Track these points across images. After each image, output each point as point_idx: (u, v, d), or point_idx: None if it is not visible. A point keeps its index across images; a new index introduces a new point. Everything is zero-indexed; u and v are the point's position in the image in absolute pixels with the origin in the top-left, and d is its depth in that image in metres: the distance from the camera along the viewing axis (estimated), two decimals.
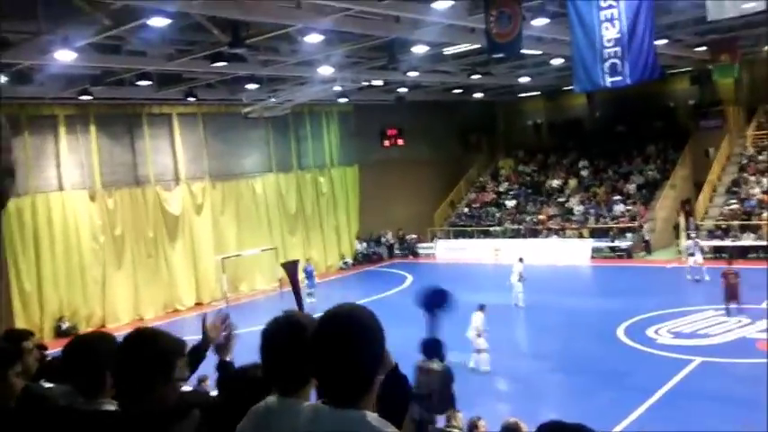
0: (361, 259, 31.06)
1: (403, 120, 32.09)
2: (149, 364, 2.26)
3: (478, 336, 13.99)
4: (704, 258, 21.63)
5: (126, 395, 2.32)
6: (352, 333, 1.84)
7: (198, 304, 24.34)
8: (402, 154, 32.33)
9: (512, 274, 19.85)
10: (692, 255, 21.58)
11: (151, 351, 2.29)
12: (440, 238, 32.37)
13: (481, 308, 14.40)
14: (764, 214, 25.09)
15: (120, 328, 20.13)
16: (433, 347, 2.26)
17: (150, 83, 19.72)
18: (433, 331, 2.23)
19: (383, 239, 32.15)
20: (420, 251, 32.09)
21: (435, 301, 2.22)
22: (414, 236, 32.46)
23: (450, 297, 2.20)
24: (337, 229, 30.64)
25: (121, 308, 22.78)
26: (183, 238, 24.79)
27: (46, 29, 13.00)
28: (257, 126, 27.24)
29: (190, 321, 20.95)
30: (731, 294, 16.70)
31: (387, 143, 32.53)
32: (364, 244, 31.66)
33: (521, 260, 20.11)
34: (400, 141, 32.78)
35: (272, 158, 28.40)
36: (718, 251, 24.04)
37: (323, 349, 1.85)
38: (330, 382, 1.86)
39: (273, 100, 24.35)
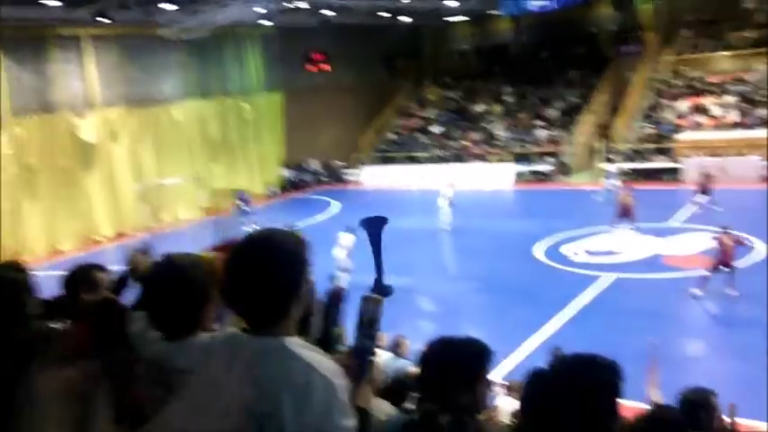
0: (288, 187, 30.85)
1: (328, 44, 31.35)
2: None
3: (346, 256, 14.53)
4: (622, 182, 22.47)
5: None
6: (266, 256, 1.80)
7: (119, 234, 23.76)
8: (327, 80, 31.74)
9: (440, 197, 20.19)
10: (612, 178, 22.37)
11: None
12: (366, 165, 32.37)
13: (350, 230, 14.92)
14: (677, 137, 26.17)
15: (36, 259, 19.49)
16: (380, 285, 2.35)
17: (58, 3, 18.46)
18: (376, 254, 2.36)
19: (309, 167, 31.92)
20: (347, 178, 32.09)
21: (374, 224, 2.42)
22: (340, 163, 32.35)
23: (386, 221, 2.46)
24: (262, 157, 30.17)
25: (37, 239, 21.97)
26: (100, 166, 23.87)
27: None
28: (176, 50, 26.07)
29: (111, 252, 20.47)
30: (623, 212, 17.55)
31: (312, 68, 31.84)
32: (290, 171, 31.37)
33: (450, 185, 20.44)
34: (325, 66, 32.12)
35: (193, 84, 27.38)
36: (634, 173, 25.03)
37: (237, 273, 1.81)
38: (245, 307, 1.82)
39: (192, 21, 23.31)
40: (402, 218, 22.38)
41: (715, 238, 13.02)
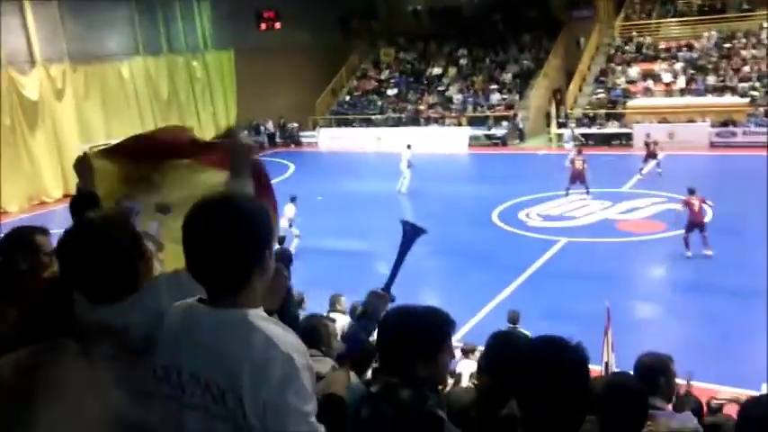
0: None
1: (280, 3, 30.65)
2: None
3: (290, 226, 14.57)
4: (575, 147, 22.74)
5: None
6: (227, 221, 1.66)
7: (66, 196, 23.02)
8: (280, 39, 31.02)
9: (401, 161, 20.17)
10: (567, 143, 22.63)
11: None
12: (322, 127, 32.00)
13: (293, 200, 14.92)
14: (628, 102, 26.53)
15: None
16: (389, 287, 2.33)
17: None
18: (399, 259, 2.29)
19: (263, 128, 31.39)
20: (302, 140, 31.70)
21: (412, 231, 2.37)
22: (295, 124, 31.89)
23: (424, 233, 2.40)
24: (215, 117, 29.50)
25: None
26: (44, 125, 23.01)
27: None
28: (122, 4, 25.15)
29: (59, 213, 19.87)
30: (576, 177, 17.83)
31: (263, 26, 31.09)
32: (243, 132, 30.78)
33: (408, 147, 20.38)
34: (278, 25, 31.42)
35: (140, 40, 26.46)
36: (586, 138, 25.32)
37: (195, 237, 1.67)
38: (204, 275, 1.69)
39: None
40: (358, 181, 22.34)
41: (683, 202, 13.26)
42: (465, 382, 6.82)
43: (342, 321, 7.09)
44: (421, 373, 2.13)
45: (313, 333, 4.24)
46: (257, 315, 1.68)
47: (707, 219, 13.05)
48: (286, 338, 1.66)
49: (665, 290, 12.52)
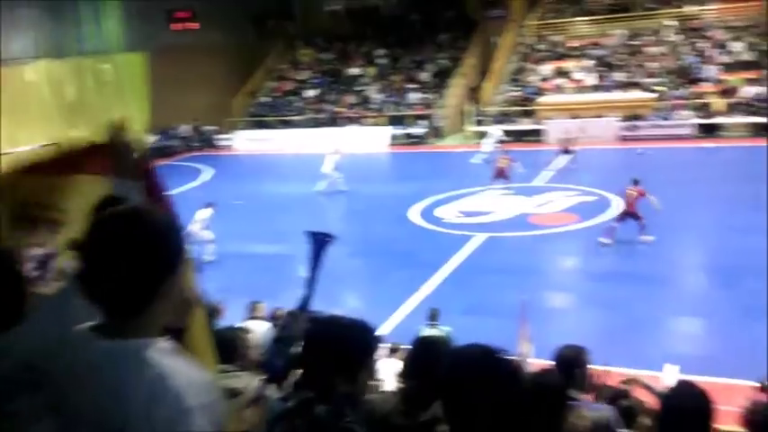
0: (155, 153, 29.38)
1: (194, 2, 29.92)
2: None
3: (204, 229, 14.25)
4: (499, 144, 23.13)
5: None
6: (126, 237, 1.50)
7: None
8: (195, 39, 30.32)
9: (325, 163, 19.98)
10: (493, 143, 22.94)
11: None
12: (239, 129, 31.42)
13: (209, 205, 14.71)
14: (540, 99, 27.27)
15: None
16: (307, 304, 2.22)
17: None
18: (313, 272, 2.20)
19: (177, 132, 30.54)
20: (218, 143, 31.03)
21: (319, 240, 2.34)
22: (212, 127, 31.18)
23: (332, 239, 2.37)
24: (126, 122, 28.48)
25: None
26: None
27: None
28: (25, 5, 24.00)
29: None
30: (499, 175, 18.20)
31: (177, 26, 30.28)
32: (157, 137, 29.88)
33: (336, 151, 20.20)
34: (192, 25, 30.67)
35: (44, 42, 25.28)
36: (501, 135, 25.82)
37: (90, 255, 1.51)
38: (98, 298, 1.51)
39: None
40: (276, 183, 22.06)
41: (625, 193, 13.57)
42: (388, 382, 6.81)
43: (261, 329, 6.93)
44: (341, 389, 2.05)
45: (228, 347, 4.11)
46: (154, 347, 1.50)
47: (658, 208, 13.34)
48: (182, 374, 1.48)
49: (578, 279, 12.89)
